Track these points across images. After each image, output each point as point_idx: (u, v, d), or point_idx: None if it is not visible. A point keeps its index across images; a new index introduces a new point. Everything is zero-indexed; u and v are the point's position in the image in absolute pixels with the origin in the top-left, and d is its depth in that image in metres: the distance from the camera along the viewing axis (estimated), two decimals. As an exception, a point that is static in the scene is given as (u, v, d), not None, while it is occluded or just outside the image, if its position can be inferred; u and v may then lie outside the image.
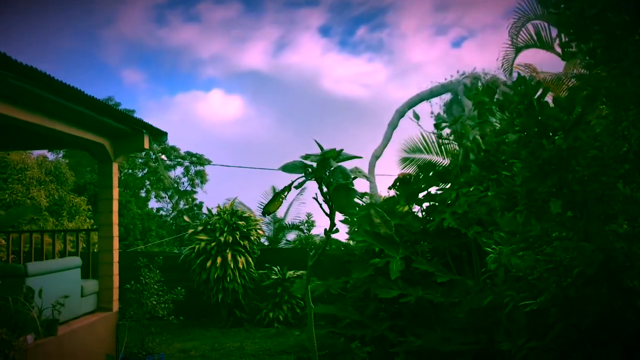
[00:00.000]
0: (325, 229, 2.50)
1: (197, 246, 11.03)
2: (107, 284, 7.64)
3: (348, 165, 2.59)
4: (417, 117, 3.46)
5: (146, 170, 33.11)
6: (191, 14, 54.66)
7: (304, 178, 2.49)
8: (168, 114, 53.34)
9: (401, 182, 4.78)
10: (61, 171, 15.63)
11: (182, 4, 52.30)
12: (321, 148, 2.50)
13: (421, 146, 10.03)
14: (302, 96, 55.78)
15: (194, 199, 35.44)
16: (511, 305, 3.46)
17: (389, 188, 4.64)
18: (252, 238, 11.26)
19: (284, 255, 12.50)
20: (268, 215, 2.63)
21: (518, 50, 9.90)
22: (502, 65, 9.72)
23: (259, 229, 11.62)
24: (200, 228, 11.35)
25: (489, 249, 3.99)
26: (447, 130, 4.63)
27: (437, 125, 3.59)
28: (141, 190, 32.89)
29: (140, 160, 32.31)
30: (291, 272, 11.12)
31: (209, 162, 34.47)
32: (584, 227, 2.49)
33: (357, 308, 4.87)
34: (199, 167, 35.11)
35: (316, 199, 2.42)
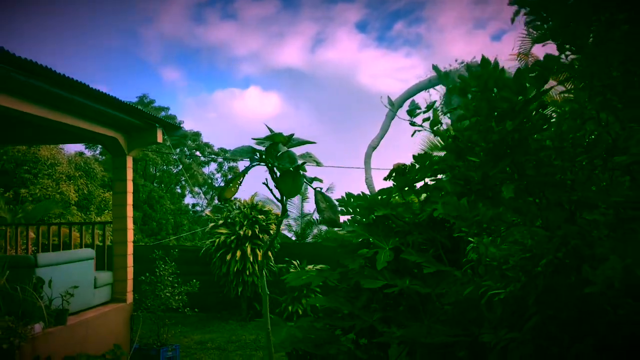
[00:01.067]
0: (278, 215, 2.46)
1: (217, 240, 11.14)
2: (121, 275, 7.77)
3: (302, 150, 2.57)
4: (391, 104, 3.39)
5: (181, 166, 33.58)
6: (228, 11, 55.27)
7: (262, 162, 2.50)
8: (205, 111, 54.09)
9: (396, 173, 4.72)
10: (90, 166, 15.99)
11: (219, 2, 52.93)
12: (271, 131, 2.48)
13: (438, 144, 9.91)
14: (339, 92, 55.70)
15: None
16: (487, 296, 3.39)
17: (385, 179, 4.58)
18: (271, 232, 11.29)
19: (305, 249, 12.51)
20: (224, 201, 2.61)
21: (535, 40, 9.61)
22: (518, 56, 9.50)
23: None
24: (220, 222, 11.44)
25: (470, 239, 3.91)
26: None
27: (410, 112, 3.51)
28: (176, 187, 33.39)
29: (175, 157, 32.81)
30: (310, 266, 11.11)
31: (242, 158, 34.76)
32: (541, 214, 2.41)
33: (349, 299, 4.83)
34: (232, 164, 35.43)
35: (266, 184, 2.41)
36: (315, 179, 2.64)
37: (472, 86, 2.44)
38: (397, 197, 5.06)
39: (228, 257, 10.95)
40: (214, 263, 11.23)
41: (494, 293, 3.41)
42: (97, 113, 6.73)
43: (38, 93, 5.57)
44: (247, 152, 2.41)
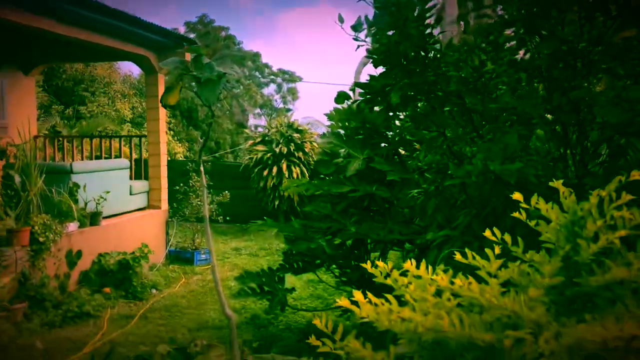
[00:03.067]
0: (206, 122, 2.80)
1: (255, 156, 11.71)
2: (156, 184, 8.47)
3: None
4: (341, 20, 3.62)
5: (241, 87, 34.23)
6: None
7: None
8: (272, 33, 53.84)
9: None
10: (144, 85, 16.74)
11: None
12: (198, 48, 2.83)
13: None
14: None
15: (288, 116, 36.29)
16: (422, 197, 3.73)
17: (360, 94, 4.89)
18: (306, 150, 11.73)
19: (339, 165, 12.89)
20: (169, 108, 3.00)
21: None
22: None
23: (313, 141, 12.05)
24: (258, 139, 11.98)
25: (416, 147, 4.20)
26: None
27: (354, 27, 3.72)
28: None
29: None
30: (344, 183, 11.53)
31: (300, 79, 34.97)
32: (428, 118, 2.71)
33: (333, 205, 5.24)
34: (290, 85, 35.69)
35: (195, 92, 2.78)
36: (234, 87, 2.99)
37: (377, 3, 2.71)
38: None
39: (265, 173, 11.52)
40: (253, 178, 11.85)
41: (431, 195, 3.74)
42: (128, 32, 7.25)
43: (74, 16, 6.17)
44: (176, 62, 2.79)
